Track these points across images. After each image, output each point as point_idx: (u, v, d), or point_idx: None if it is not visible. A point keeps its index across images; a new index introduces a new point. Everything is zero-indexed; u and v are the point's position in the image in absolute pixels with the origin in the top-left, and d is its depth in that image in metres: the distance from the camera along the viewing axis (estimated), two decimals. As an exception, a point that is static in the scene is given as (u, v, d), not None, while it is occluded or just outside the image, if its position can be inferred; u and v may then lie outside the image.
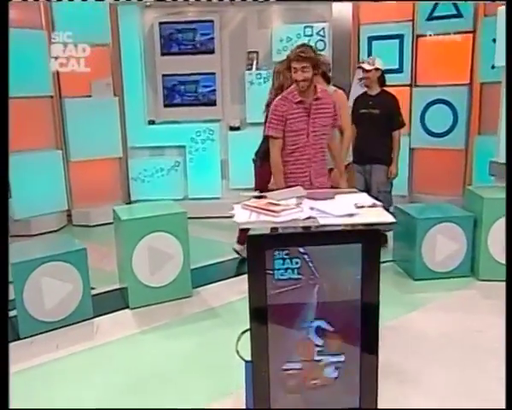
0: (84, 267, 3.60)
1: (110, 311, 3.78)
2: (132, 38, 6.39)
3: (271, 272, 2.02)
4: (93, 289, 3.90)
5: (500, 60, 4.26)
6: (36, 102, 5.79)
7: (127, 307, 3.82)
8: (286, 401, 2.15)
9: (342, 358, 2.12)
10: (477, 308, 3.72)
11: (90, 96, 6.18)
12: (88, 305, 3.63)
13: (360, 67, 4.94)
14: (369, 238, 2.00)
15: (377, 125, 4.66)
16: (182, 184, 6.65)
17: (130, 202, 6.53)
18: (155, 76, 6.56)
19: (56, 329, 3.46)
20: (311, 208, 2.08)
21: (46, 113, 5.98)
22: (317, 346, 2.10)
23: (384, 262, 4.42)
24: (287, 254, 2.02)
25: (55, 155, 6.01)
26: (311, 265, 2.02)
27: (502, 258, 4.05)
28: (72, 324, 3.53)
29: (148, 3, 6.31)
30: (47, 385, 2.88)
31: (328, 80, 4.23)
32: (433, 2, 6.01)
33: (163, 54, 6.48)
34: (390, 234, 4.72)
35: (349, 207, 2.06)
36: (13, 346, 3.26)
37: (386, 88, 4.84)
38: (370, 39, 6.33)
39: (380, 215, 2.02)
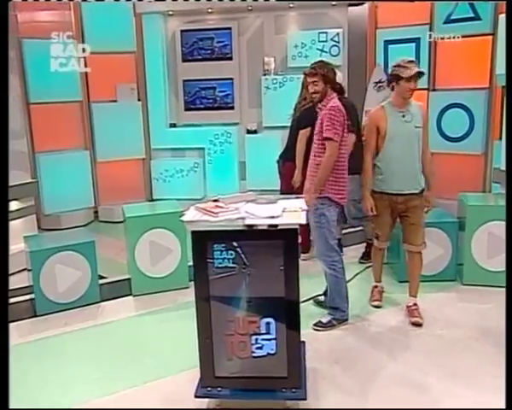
0: (93, 257, 4.46)
1: (115, 297, 4.63)
2: (156, 46, 7.31)
3: (211, 260, 2.75)
4: (104, 278, 4.78)
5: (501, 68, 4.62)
6: (67, 106, 6.79)
7: (130, 294, 4.67)
8: (227, 367, 2.86)
9: (272, 335, 2.81)
10: (447, 310, 4.21)
11: (115, 101, 7.15)
12: (95, 290, 4.49)
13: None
14: (288, 236, 2.68)
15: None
16: (201, 185, 7.49)
17: (152, 201, 7.43)
18: (177, 81, 7.48)
19: (67, 310, 4.35)
20: (246, 211, 2.78)
21: (76, 116, 6.98)
22: (251, 322, 2.80)
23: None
24: (224, 247, 2.74)
25: (83, 156, 7.02)
26: (243, 256, 2.73)
27: (484, 263, 4.57)
28: (81, 306, 4.41)
29: (170, 12, 7.19)
30: (51, 352, 3.74)
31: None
32: (451, 5, 6.39)
33: (184, 60, 7.37)
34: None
35: (276, 211, 2.75)
36: (29, 322, 4.24)
37: None
38: (387, 43, 6.84)
39: (296, 218, 2.69)
